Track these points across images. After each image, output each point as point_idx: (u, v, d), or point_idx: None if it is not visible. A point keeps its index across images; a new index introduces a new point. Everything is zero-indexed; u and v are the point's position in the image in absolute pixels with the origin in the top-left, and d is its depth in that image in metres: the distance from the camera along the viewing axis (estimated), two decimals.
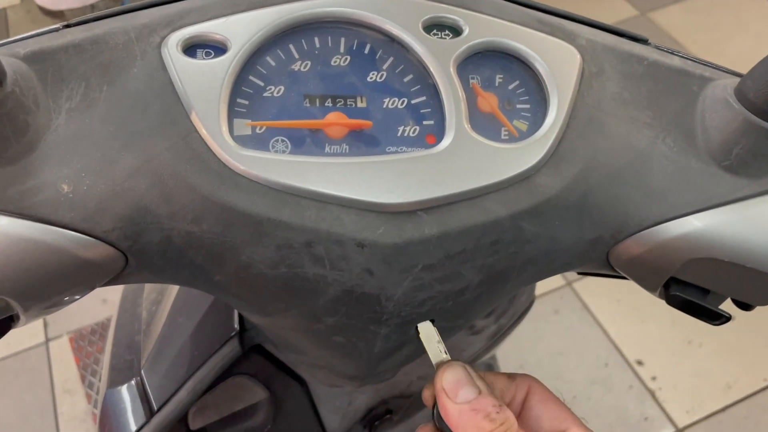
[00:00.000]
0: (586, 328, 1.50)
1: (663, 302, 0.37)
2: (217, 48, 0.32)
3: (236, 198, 0.29)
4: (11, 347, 1.49)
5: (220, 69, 0.31)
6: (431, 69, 0.32)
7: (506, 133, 0.33)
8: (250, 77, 0.32)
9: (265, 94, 0.32)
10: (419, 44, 0.32)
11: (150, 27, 0.32)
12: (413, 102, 0.32)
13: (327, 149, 0.31)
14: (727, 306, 0.35)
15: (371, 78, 0.33)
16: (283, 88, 0.32)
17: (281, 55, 0.32)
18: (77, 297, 0.32)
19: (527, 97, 0.34)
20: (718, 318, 0.35)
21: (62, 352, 1.48)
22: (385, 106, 0.32)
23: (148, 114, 0.30)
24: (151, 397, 0.56)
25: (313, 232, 0.29)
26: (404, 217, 0.30)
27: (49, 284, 0.30)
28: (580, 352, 1.46)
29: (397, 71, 0.33)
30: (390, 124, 0.32)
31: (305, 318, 0.35)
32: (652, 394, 1.40)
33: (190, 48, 0.32)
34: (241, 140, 0.30)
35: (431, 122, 0.32)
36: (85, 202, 0.29)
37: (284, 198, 0.29)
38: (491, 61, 0.34)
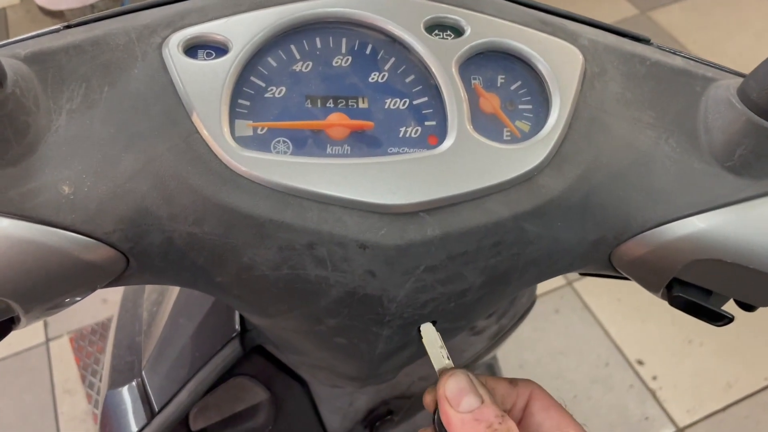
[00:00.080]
0: (587, 328, 1.50)
1: (663, 302, 0.37)
2: (218, 48, 0.32)
3: (238, 199, 0.29)
4: (11, 347, 1.49)
5: (221, 70, 0.31)
6: (433, 69, 0.32)
7: (508, 133, 0.33)
8: (252, 78, 0.32)
9: (267, 95, 0.32)
10: (421, 45, 0.32)
11: (151, 28, 0.32)
12: (415, 103, 0.32)
13: (329, 150, 0.31)
14: (729, 306, 0.35)
15: (373, 79, 0.33)
16: (284, 88, 0.32)
17: (282, 55, 0.32)
18: (78, 299, 0.32)
19: (529, 98, 0.33)
20: (720, 319, 0.35)
21: (62, 352, 1.48)
22: (386, 106, 0.32)
23: (149, 115, 0.30)
24: (152, 398, 0.56)
25: (315, 233, 0.29)
26: (406, 219, 0.30)
27: (50, 286, 0.29)
28: (581, 352, 1.46)
29: (398, 72, 0.33)
30: (392, 125, 0.32)
31: (307, 319, 0.35)
32: (653, 393, 1.40)
33: (191, 49, 0.31)
34: (243, 141, 0.30)
35: (433, 123, 0.32)
36: (86, 203, 0.29)
37: (286, 199, 0.29)
38: (493, 61, 0.34)
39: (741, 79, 0.32)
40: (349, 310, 0.33)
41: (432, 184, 0.30)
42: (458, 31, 0.34)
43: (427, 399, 0.35)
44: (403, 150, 0.31)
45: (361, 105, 0.32)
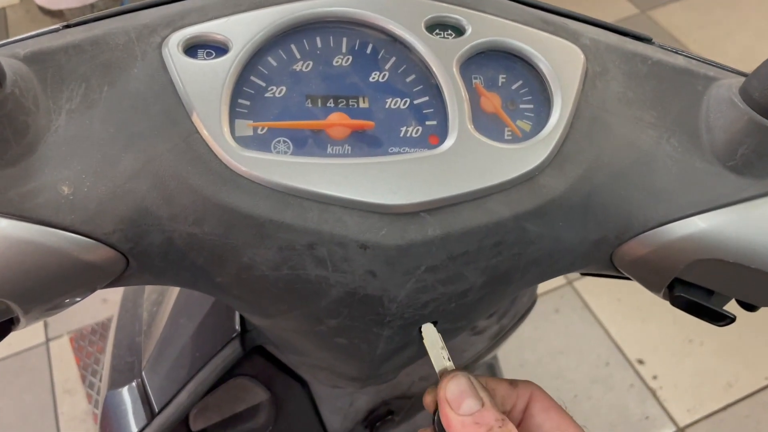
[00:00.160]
0: (587, 327, 1.49)
1: (664, 301, 0.36)
2: (219, 48, 0.31)
3: (238, 199, 0.29)
4: (11, 347, 1.49)
5: (222, 69, 0.30)
6: (434, 69, 0.32)
7: (509, 133, 0.32)
8: (252, 78, 0.31)
9: (267, 95, 0.31)
10: (422, 44, 0.32)
11: (150, 27, 0.31)
12: (416, 102, 0.32)
13: (329, 150, 0.31)
14: (730, 306, 0.35)
15: (373, 78, 0.32)
16: (284, 88, 0.32)
17: (283, 55, 0.32)
18: (78, 299, 0.32)
19: (530, 97, 0.33)
20: (722, 319, 0.34)
21: (63, 352, 1.48)
22: (387, 106, 0.32)
23: (148, 115, 0.30)
24: (152, 398, 0.56)
25: (316, 233, 0.29)
26: (407, 219, 0.30)
27: (49, 287, 0.29)
28: (581, 351, 1.46)
29: (399, 71, 0.33)
30: (392, 125, 0.32)
31: (307, 320, 0.35)
32: (653, 393, 1.40)
33: (191, 48, 0.31)
34: (243, 141, 0.30)
35: (434, 122, 0.32)
36: (86, 204, 0.29)
37: (286, 199, 0.29)
38: (494, 60, 0.34)
39: (743, 79, 0.31)
40: (349, 310, 0.33)
41: (433, 184, 0.30)
42: (459, 31, 0.33)
43: (428, 399, 0.35)
44: (403, 150, 0.31)
45: (361, 105, 0.32)
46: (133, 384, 0.58)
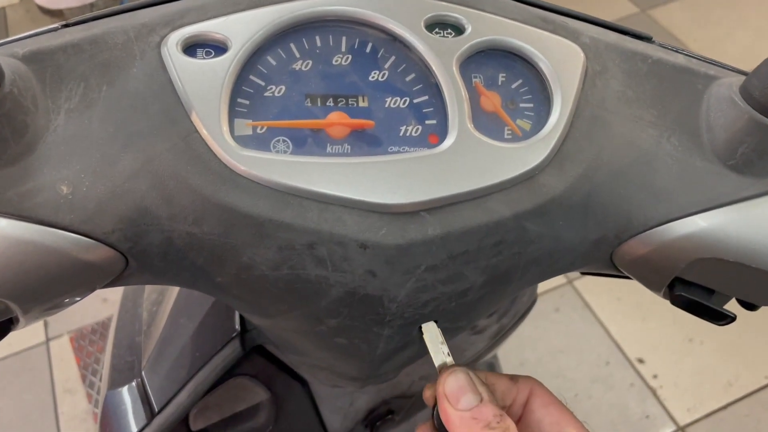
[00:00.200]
0: (587, 327, 1.49)
1: (664, 300, 0.36)
2: (218, 47, 0.31)
3: (237, 199, 0.29)
4: (12, 347, 1.49)
5: (221, 68, 0.30)
6: (433, 68, 0.32)
7: (509, 132, 0.32)
8: (251, 77, 0.31)
9: (266, 94, 0.31)
10: (421, 43, 0.32)
11: (149, 26, 0.31)
12: (415, 101, 0.32)
13: (329, 149, 0.31)
14: (731, 305, 0.35)
15: (373, 77, 0.32)
16: (284, 87, 0.32)
17: (282, 54, 0.32)
18: (77, 299, 0.32)
19: (530, 96, 0.33)
20: (722, 318, 0.34)
21: (63, 352, 1.48)
22: (387, 105, 0.32)
23: (147, 114, 0.30)
24: (152, 398, 0.56)
25: (315, 233, 0.29)
26: (407, 218, 0.30)
27: (48, 286, 0.29)
28: (581, 351, 1.46)
29: (399, 70, 0.33)
30: (392, 124, 0.32)
31: (307, 319, 0.35)
32: (653, 392, 1.40)
33: (190, 47, 0.31)
34: (242, 140, 0.30)
35: (434, 122, 0.32)
36: (85, 203, 0.28)
37: (286, 199, 0.29)
38: (494, 59, 0.34)
39: (743, 77, 0.31)
40: (349, 310, 0.33)
41: (433, 184, 0.30)
42: (459, 30, 0.33)
43: (427, 394, 0.35)
44: (403, 149, 0.31)
45: (361, 104, 0.32)
46: (133, 384, 0.58)
